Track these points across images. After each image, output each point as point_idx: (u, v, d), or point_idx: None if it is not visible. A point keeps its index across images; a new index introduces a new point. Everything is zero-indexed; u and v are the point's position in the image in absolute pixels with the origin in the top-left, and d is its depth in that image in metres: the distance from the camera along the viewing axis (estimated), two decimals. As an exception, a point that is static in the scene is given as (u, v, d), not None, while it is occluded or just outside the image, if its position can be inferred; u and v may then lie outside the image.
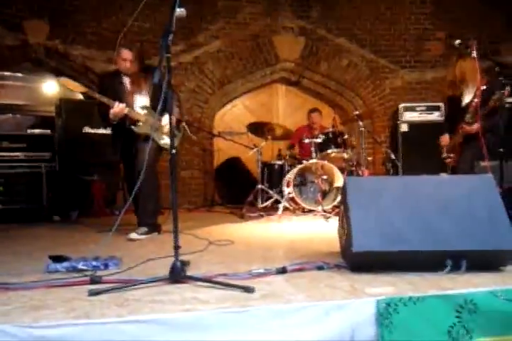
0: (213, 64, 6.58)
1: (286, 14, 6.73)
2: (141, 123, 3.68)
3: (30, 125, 5.18)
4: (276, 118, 7.19)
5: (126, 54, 3.70)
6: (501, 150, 3.50)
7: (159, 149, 3.77)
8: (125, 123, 3.67)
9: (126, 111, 3.57)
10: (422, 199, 2.29)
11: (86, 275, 2.21)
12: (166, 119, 3.63)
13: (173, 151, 2.09)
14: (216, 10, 6.55)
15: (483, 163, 3.92)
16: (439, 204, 2.26)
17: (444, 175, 4.13)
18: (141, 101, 3.76)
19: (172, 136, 2.15)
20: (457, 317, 1.83)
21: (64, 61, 5.99)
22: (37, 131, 5.18)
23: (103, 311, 1.69)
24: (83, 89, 3.62)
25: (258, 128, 5.68)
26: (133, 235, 3.54)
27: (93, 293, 1.89)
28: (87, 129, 5.43)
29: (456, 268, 2.12)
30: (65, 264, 2.40)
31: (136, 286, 1.99)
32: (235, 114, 7.20)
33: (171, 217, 2.15)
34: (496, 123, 3.64)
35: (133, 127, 3.66)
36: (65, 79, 3.67)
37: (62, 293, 1.96)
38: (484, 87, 3.84)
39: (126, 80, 3.78)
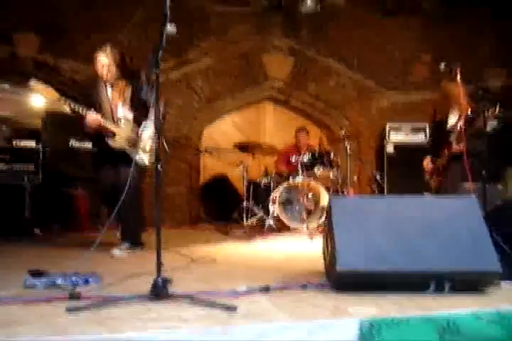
0: (202, 80, 6.61)
1: (277, 33, 6.82)
2: (117, 137, 3.53)
3: (15, 137, 5.13)
4: (263, 136, 7.22)
5: (102, 59, 3.53)
6: (484, 173, 3.55)
7: (143, 167, 3.62)
8: (104, 136, 3.52)
9: (101, 121, 3.41)
10: (407, 220, 2.30)
11: (65, 291, 2.16)
12: (145, 134, 3.53)
13: (159, 167, 2.07)
14: (207, 27, 6.60)
15: (466, 185, 3.96)
16: (423, 225, 2.27)
17: (428, 195, 4.17)
18: (123, 111, 3.60)
19: (158, 151, 2.14)
20: (440, 338, 1.82)
21: (53, 74, 5.97)
22: (22, 143, 5.12)
23: (82, 328, 1.65)
24: (55, 95, 3.40)
25: (245, 147, 5.68)
26: (116, 252, 3.45)
27: (72, 310, 1.85)
28: (73, 143, 5.39)
29: (439, 289, 2.12)
30: (44, 279, 2.35)
31: (116, 303, 1.95)
32: (222, 130, 7.21)
33: (154, 234, 2.12)
34: (481, 145, 3.69)
35: (108, 140, 3.50)
36: (36, 83, 3.40)
37: (40, 309, 1.91)
38: (469, 113, 3.91)
39: (108, 89, 3.61)
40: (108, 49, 3.59)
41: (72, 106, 3.38)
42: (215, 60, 6.64)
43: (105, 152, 3.60)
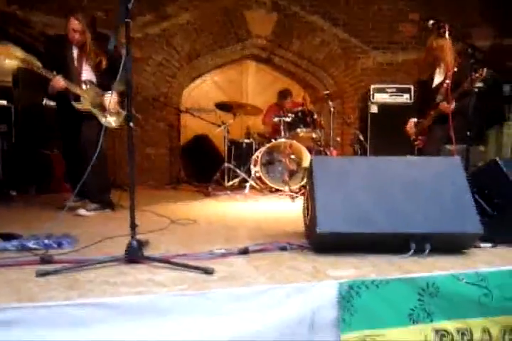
0: (182, 37, 6.34)
1: (260, -13, 6.53)
2: (82, 99, 3.52)
3: (-16, 96, 4.91)
4: (245, 96, 7.05)
5: (75, 24, 3.48)
6: (468, 133, 3.50)
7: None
8: (69, 98, 3.50)
9: (63, 85, 3.39)
10: (389, 180, 2.25)
11: (36, 255, 2.09)
12: (111, 97, 3.50)
13: (131, 124, 1.96)
14: (187, -20, 6.28)
15: (449, 147, 3.93)
16: (405, 186, 2.23)
17: (411, 157, 4.14)
18: (87, 74, 3.59)
19: (131, 110, 2.02)
20: (419, 300, 1.81)
21: (23, 28, 5.65)
22: (-8, 101, 4.91)
23: (50, 293, 1.59)
24: (20, 56, 3.38)
25: (226, 107, 5.54)
26: (81, 211, 3.43)
27: (41, 274, 1.78)
28: (47, 101, 5.17)
29: (420, 250, 2.10)
30: (15, 242, 2.27)
31: (88, 267, 1.89)
32: (203, 90, 7.01)
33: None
34: (466, 106, 3.63)
35: (74, 103, 3.49)
36: None
37: (9, 274, 1.83)
38: (456, 69, 3.82)
39: (75, 51, 3.58)
40: (80, 16, 3.53)
41: (37, 69, 3.33)
42: (195, 15, 6.35)
43: (68, 112, 3.57)
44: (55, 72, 3.38)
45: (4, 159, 4.81)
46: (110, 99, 3.45)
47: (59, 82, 3.37)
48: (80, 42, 3.54)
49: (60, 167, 5.17)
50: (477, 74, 3.55)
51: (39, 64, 3.38)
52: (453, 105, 3.81)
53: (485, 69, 3.56)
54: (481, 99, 6.06)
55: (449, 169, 2.29)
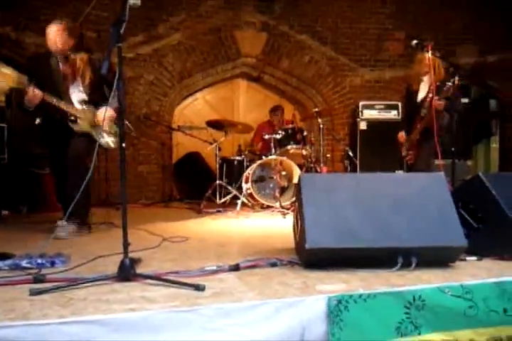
0: (173, 57, 6.46)
1: (249, 8, 6.67)
2: (79, 121, 3.36)
3: (-24, 115, 4.94)
4: (236, 114, 7.14)
5: (52, 30, 3.23)
6: (453, 149, 3.60)
7: (93, 142, 3.35)
8: (55, 115, 3.34)
9: (40, 97, 3.15)
10: (375, 196, 2.31)
11: (29, 274, 2.11)
12: (106, 115, 3.31)
13: (123, 145, 2.01)
14: (177, 1, 6.41)
15: (436, 161, 4.03)
16: (391, 202, 2.29)
17: (399, 173, 4.22)
18: (77, 90, 3.41)
19: (122, 130, 2.07)
20: (406, 313, 1.85)
21: (16, 49, 5.73)
22: (-16, 121, 4.94)
23: (44, 312, 1.61)
24: (12, 73, 3.11)
25: (218, 125, 5.62)
26: (61, 233, 3.15)
27: (35, 293, 1.80)
28: (40, 120, 5.20)
29: (407, 264, 2.15)
30: (8, 262, 2.28)
31: (81, 285, 1.91)
32: (195, 108, 7.10)
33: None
34: (451, 122, 3.74)
35: (70, 124, 3.33)
36: None
37: (2, 293, 1.85)
38: (438, 83, 3.94)
39: (60, 65, 3.35)
40: (63, 22, 3.33)
41: (25, 87, 3.13)
42: (186, 35, 6.48)
43: (55, 128, 3.42)
44: (32, 85, 3.13)
45: (-3, 179, 4.83)
46: (104, 114, 3.24)
47: (35, 94, 3.11)
48: (62, 52, 3.31)
49: (52, 186, 5.17)
50: (450, 83, 3.69)
51: (27, 82, 3.15)
52: (443, 101, 3.88)
53: (456, 77, 3.70)
54: (468, 115, 6.23)
55: (434, 184, 2.36)
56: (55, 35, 3.29)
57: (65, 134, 3.41)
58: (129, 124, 3.77)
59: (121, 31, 2.00)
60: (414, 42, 3.84)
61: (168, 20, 6.39)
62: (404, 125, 4.53)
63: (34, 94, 3.13)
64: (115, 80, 2.01)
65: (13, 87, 5.23)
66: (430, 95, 3.97)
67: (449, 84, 3.74)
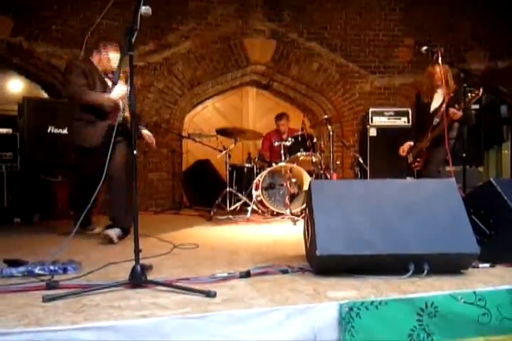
0: (183, 65, 6.51)
1: (258, 16, 6.72)
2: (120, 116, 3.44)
3: (-10, 124, 5.02)
4: (246, 121, 7.17)
5: (115, 56, 3.49)
6: (464, 155, 3.58)
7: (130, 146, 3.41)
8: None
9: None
10: (386, 203, 2.30)
11: (42, 281, 2.13)
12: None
13: (135, 152, 2.03)
14: (187, 10, 6.48)
15: (447, 168, 4.00)
16: (402, 208, 2.28)
17: (409, 179, 4.20)
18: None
19: (135, 138, 2.09)
20: (418, 320, 1.84)
21: (28, 58, 5.82)
22: (-2, 130, 5.01)
23: (57, 318, 1.62)
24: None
25: (227, 132, 5.64)
26: (110, 232, 3.30)
27: (48, 299, 1.81)
28: (52, 129, 5.28)
29: (418, 271, 2.13)
30: (21, 269, 2.30)
31: (93, 291, 1.93)
32: (205, 116, 7.14)
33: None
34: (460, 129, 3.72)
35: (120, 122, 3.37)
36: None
37: (16, 299, 1.87)
38: (452, 95, 3.93)
39: (106, 79, 3.59)
40: (117, 45, 3.60)
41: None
42: (196, 43, 6.54)
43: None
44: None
45: (9, 187, 4.89)
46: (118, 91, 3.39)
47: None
48: (110, 71, 3.59)
49: (64, 194, 5.24)
50: (473, 94, 3.66)
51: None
52: (460, 112, 3.83)
53: (481, 90, 3.67)
54: (479, 121, 6.19)
55: (445, 191, 2.35)
56: (109, 63, 3.56)
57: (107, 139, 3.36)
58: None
59: (133, 40, 2.03)
60: (424, 48, 3.83)
61: (177, 29, 6.46)
62: (411, 135, 4.50)
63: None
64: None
65: (25, 96, 5.37)
66: (444, 106, 3.94)
67: (472, 94, 3.69)
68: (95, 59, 3.60)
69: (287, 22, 6.81)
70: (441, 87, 4.03)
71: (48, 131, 5.26)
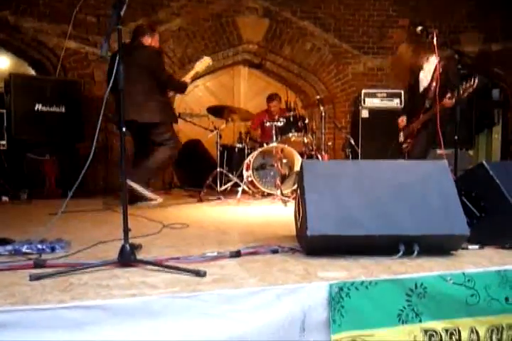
0: (174, 42, 6.39)
1: (251, -7, 6.59)
2: None
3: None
4: (237, 101, 7.09)
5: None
6: (456, 138, 3.57)
7: None
8: None
9: None
10: (378, 183, 2.28)
11: (30, 259, 2.10)
12: None
13: (123, 129, 1.99)
14: (178, -14, 6.33)
15: (439, 151, 4.00)
16: (394, 189, 2.27)
17: (401, 161, 4.20)
18: None
19: (122, 116, 2.05)
20: (407, 300, 1.84)
21: (14, 34, 5.66)
22: (-17, 107, 4.91)
23: (44, 297, 1.60)
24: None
25: (218, 111, 5.58)
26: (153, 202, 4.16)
27: (35, 278, 1.79)
28: (39, 107, 5.18)
29: (409, 252, 2.13)
30: (8, 247, 2.27)
31: (82, 270, 1.90)
32: (196, 95, 7.05)
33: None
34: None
35: None
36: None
37: (2, 278, 1.84)
38: (441, 70, 3.89)
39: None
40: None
41: None
42: (187, 21, 6.41)
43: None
44: None
45: (-4, 165, 4.82)
46: None
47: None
48: None
49: (52, 172, 5.18)
50: (467, 84, 3.62)
51: None
52: (453, 101, 3.82)
53: (476, 80, 3.63)
54: (470, 104, 6.18)
55: (437, 172, 2.33)
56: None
57: None
58: None
59: (122, 13, 1.96)
60: (420, 28, 3.78)
61: (168, 6, 6.32)
62: (405, 110, 4.48)
63: None
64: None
65: (12, 72, 5.25)
66: (434, 84, 3.91)
67: (467, 85, 3.66)
68: (146, 41, 4.13)
69: (280, 0, 6.68)
70: (427, 62, 3.97)
71: (36, 108, 5.15)
